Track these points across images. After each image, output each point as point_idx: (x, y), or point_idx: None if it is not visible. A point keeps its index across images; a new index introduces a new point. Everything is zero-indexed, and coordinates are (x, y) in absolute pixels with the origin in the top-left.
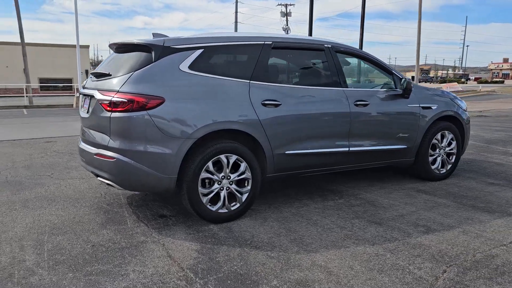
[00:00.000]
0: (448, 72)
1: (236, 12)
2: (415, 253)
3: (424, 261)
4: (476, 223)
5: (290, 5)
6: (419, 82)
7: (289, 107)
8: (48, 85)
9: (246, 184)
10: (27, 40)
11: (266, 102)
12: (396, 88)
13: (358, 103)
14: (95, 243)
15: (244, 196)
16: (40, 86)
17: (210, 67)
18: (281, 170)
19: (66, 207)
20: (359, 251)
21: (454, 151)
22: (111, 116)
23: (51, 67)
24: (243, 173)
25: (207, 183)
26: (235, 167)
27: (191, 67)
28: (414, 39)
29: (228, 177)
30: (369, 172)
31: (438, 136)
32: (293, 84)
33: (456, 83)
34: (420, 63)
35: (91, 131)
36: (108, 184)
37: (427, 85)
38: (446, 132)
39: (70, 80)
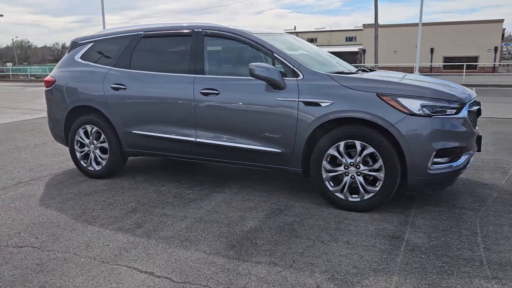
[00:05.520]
0: None
1: None
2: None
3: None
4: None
5: None
6: None
7: (132, 91)
8: (451, 64)
9: (106, 152)
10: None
11: (114, 85)
12: (294, 76)
13: (205, 91)
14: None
15: (104, 162)
16: (444, 65)
17: (93, 57)
18: (132, 147)
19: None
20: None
21: (380, 174)
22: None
23: (457, 45)
24: (103, 142)
25: (85, 145)
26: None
27: (82, 57)
28: None
29: (93, 143)
30: None
31: (341, 146)
32: (144, 70)
33: None
34: None
35: None
36: None
37: None
38: (358, 142)
39: (475, 59)
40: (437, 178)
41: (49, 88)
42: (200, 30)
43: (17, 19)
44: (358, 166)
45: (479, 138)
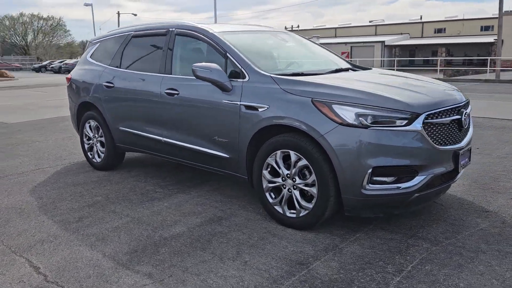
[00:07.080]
0: None
1: None
2: None
3: None
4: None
5: None
6: None
7: (117, 90)
8: None
9: (103, 146)
10: None
11: (106, 84)
12: (242, 77)
13: (168, 91)
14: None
15: (103, 155)
16: None
17: (98, 56)
18: (122, 143)
19: None
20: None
21: (313, 190)
22: None
23: None
24: (101, 136)
25: (90, 138)
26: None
27: (91, 56)
28: None
29: (95, 137)
30: None
31: (278, 156)
32: (129, 69)
33: None
34: None
35: None
36: None
37: None
38: (293, 153)
39: None
40: (377, 200)
41: (68, 84)
42: (173, 29)
43: (162, 17)
44: (294, 179)
45: (456, 155)
